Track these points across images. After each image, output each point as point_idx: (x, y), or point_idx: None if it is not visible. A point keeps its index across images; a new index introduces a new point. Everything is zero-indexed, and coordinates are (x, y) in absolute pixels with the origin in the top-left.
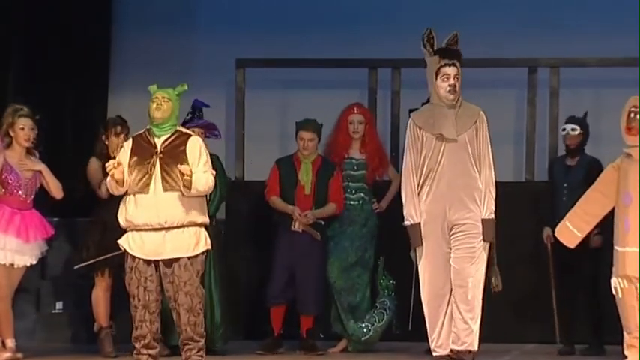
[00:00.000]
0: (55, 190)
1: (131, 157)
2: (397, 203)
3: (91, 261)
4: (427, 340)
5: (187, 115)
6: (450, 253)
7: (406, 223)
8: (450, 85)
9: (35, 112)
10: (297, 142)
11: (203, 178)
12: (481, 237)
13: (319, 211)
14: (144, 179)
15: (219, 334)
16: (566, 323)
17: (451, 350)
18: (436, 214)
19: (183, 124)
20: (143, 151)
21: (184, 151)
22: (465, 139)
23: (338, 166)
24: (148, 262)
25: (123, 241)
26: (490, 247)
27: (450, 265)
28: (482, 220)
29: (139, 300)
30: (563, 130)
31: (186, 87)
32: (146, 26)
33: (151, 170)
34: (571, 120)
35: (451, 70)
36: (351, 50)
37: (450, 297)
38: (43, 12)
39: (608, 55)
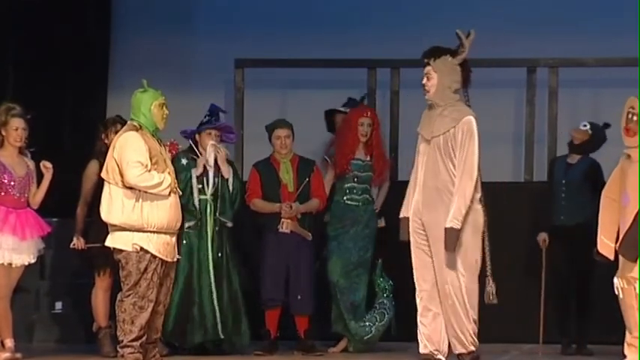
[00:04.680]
0: (38, 200)
1: (151, 153)
2: (395, 205)
3: (88, 245)
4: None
5: (205, 117)
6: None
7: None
8: (422, 85)
9: (27, 112)
10: (272, 143)
11: None
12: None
13: (304, 205)
14: (171, 182)
15: (240, 332)
16: (563, 325)
17: (458, 354)
18: (415, 210)
19: (200, 125)
20: (157, 152)
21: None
22: (440, 141)
23: (346, 166)
24: (162, 264)
25: (142, 243)
26: (484, 256)
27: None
28: (444, 229)
29: (149, 300)
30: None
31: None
32: (145, 26)
33: (169, 174)
34: (588, 121)
35: (424, 70)
36: (350, 50)
37: (437, 296)
38: (43, 12)
39: (607, 55)
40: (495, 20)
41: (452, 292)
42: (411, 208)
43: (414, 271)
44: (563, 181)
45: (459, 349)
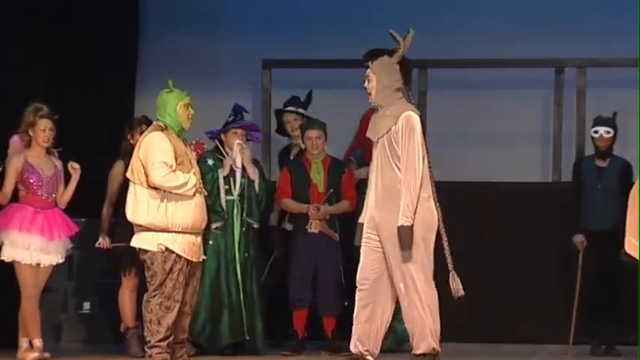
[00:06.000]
0: (65, 200)
1: (176, 153)
2: None
3: (113, 245)
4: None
5: (229, 116)
6: (384, 253)
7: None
8: (364, 88)
9: (55, 112)
10: (304, 143)
11: None
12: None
13: (333, 207)
14: (196, 183)
15: (260, 334)
16: (593, 326)
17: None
18: (369, 213)
19: (226, 125)
20: (182, 152)
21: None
22: (384, 141)
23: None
24: (187, 264)
25: (167, 243)
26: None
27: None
28: (397, 228)
29: (175, 301)
30: (596, 132)
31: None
32: (173, 27)
33: (193, 173)
34: (602, 122)
35: (365, 73)
36: None
37: (377, 295)
38: (70, 12)
39: (634, 55)
40: (522, 21)
41: (406, 292)
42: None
43: (359, 268)
44: (599, 186)
45: (420, 349)
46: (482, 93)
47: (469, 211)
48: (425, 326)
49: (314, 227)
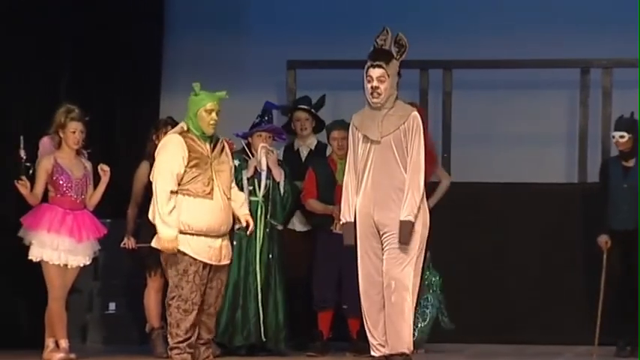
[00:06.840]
0: (94, 202)
1: (190, 156)
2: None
3: (138, 245)
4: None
5: (257, 117)
6: (382, 252)
7: (341, 221)
8: (372, 88)
9: (85, 114)
10: (330, 144)
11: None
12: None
13: None
14: (210, 184)
15: (282, 335)
16: (618, 327)
17: (394, 354)
18: (364, 213)
19: (252, 128)
20: (200, 154)
21: (227, 158)
22: (391, 140)
23: None
24: (205, 266)
25: (179, 245)
26: (426, 250)
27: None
28: (400, 222)
29: (193, 304)
30: (613, 137)
31: (225, 95)
32: (197, 28)
33: (211, 175)
34: (618, 125)
35: (374, 72)
36: None
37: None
38: (95, 14)
39: None
40: (548, 21)
41: (398, 288)
42: (354, 211)
43: (361, 279)
44: (625, 186)
45: (396, 349)
46: (507, 93)
47: (493, 212)
48: (405, 326)
49: (339, 228)
